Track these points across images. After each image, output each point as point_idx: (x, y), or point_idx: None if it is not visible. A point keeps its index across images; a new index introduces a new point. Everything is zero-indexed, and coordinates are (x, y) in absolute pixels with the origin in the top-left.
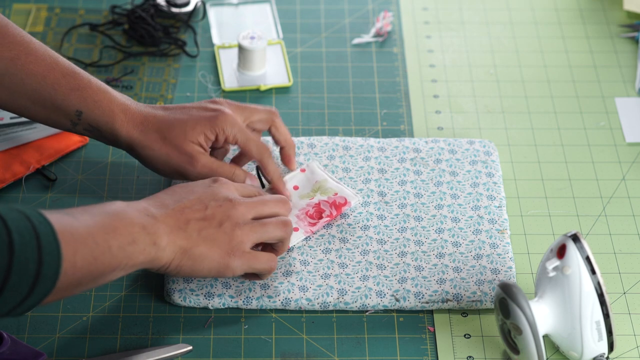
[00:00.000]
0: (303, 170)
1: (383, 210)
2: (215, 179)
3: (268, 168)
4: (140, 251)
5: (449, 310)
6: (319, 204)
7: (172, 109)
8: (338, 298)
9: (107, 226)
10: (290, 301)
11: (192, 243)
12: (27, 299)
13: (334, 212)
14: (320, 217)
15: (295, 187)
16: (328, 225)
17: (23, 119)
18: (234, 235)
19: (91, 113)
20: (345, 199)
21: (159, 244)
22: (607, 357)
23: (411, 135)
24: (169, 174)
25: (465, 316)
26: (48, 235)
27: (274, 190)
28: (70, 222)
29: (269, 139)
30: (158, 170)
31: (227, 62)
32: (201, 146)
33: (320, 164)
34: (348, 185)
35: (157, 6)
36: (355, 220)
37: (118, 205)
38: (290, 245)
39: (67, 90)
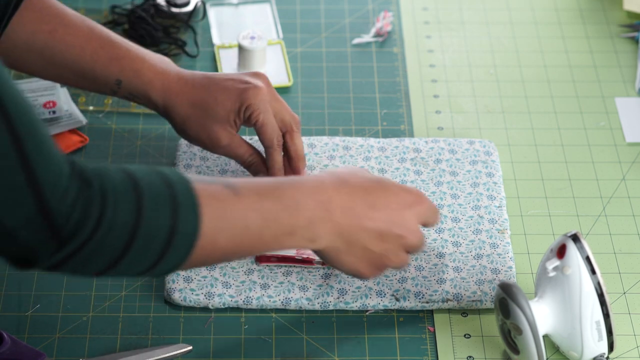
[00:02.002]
0: None
1: None
2: (420, 199)
3: (273, 156)
4: (294, 242)
5: (449, 310)
6: None
7: (211, 77)
8: (338, 298)
9: (269, 212)
10: (291, 301)
11: (349, 249)
12: (158, 264)
13: None
14: None
15: None
16: None
17: None
18: (386, 263)
19: (130, 82)
20: None
21: (316, 242)
22: (607, 357)
23: (411, 135)
24: (197, 144)
25: (465, 316)
26: (189, 205)
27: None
28: (225, 197)
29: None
30: (189, 140)
31: (227, 62)
32: (234, 122)
33: (321, 164)
34: None
35: (157, 6)
36: None
37: (301, 186)
38: None
39: (106, 60)
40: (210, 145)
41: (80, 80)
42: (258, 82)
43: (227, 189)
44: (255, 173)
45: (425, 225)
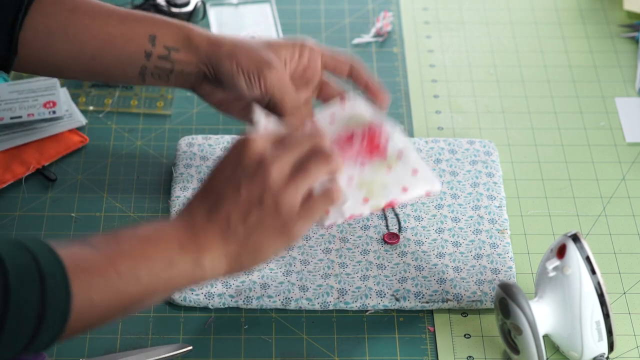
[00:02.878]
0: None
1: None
2: (242, 146)
3: (362, 72)
4: (179, 273)
5: (449, 310)
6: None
7: None
8: (338, 298)
9: (135, 251)
10: (291, 301)
11: (241, 241)
12: (33, 342)
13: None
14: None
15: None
16: None
17: (23, 119)
18: (280, 205)
19: (166, 33)
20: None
21: (202, 263)
22: (607, 357)
23: (411, 135)
24: (243, 79)
25: (465, 316)
26: (55, 276)
27: (373, 95)
28: (87, 255)
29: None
30: (233, 79)
31: None
32: (284, 62)
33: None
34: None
35: (157, 6)
36: (356, 220)
37: (155, 224)
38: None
39: (135, 21)
40: (265, 65)
41: (107, 56)
42: (305, 37)
43: (84, 246)
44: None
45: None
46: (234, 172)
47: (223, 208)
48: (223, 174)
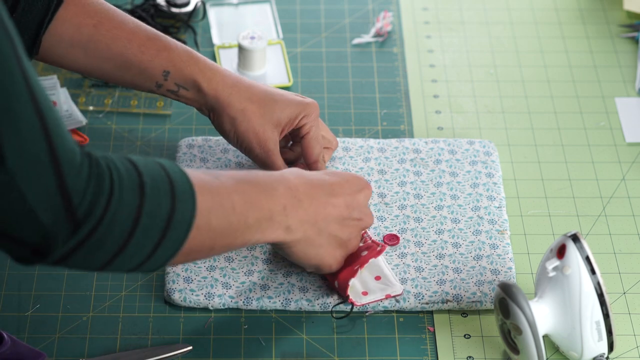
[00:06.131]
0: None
1: (383, 212)
2: (367, 183)
3: (326, 154)
4: (273, 230)
5: (449, 311)
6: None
7: (263, 85)
8: (338, 299)
9: (249, 195)
10: (291, 302)
11: (318, 238)
12: (158, 248)
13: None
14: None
15: None
16: None
17: None
18: (348, 248)
19: (179, 73)
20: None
21: (291, 229)
22: (607, 357)
23: (411, 135)
24: (234, 142)
25: (465, 316)
26: (184, 185)
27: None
28: (210, 181)
29: None
30: (226, 137)
31: (227, 62)
32: (282, 129)
33: None
34: None
35: (157, 6)
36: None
37: (269, 176)
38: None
39: (153, 51)
40: (256, 144)
41: (123, 74)
42: (314, 101)
43: (205, 174)
44: None
45: None
46: (354, 197)
47: (328, 208)
48: (348, 186)
